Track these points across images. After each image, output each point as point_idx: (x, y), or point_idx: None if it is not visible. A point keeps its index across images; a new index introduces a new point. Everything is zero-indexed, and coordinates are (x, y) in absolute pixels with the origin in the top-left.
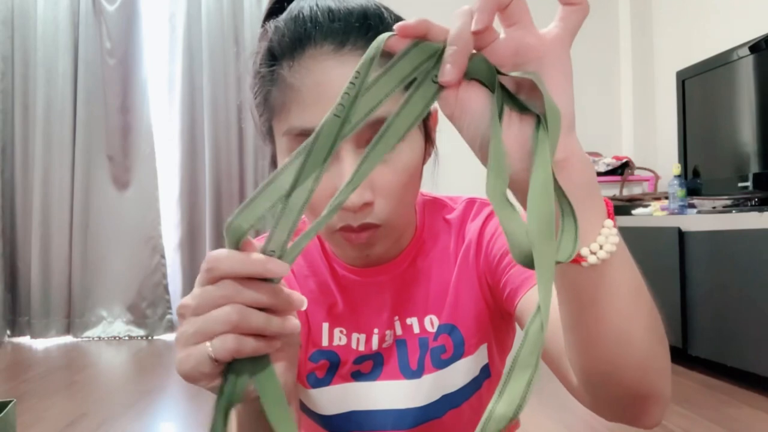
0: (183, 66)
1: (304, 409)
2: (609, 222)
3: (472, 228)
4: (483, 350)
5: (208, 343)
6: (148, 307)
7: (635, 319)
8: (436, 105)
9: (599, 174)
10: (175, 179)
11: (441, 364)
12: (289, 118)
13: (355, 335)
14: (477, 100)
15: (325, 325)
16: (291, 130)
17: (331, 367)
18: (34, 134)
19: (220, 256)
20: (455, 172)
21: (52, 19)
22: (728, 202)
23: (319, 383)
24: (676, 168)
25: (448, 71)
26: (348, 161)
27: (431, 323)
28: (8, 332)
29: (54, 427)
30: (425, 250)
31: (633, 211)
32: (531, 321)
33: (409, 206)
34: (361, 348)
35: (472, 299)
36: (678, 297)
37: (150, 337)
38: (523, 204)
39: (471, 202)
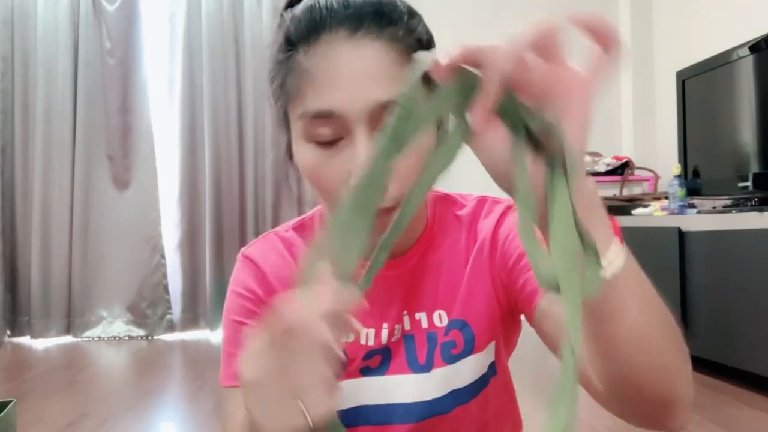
0: (183, 66)
1: None
2: (616, 240)
3: (485, 226)
4: (491, 348)
5: (303, 408)
6: (148, 307)
7: (651, 330)
8: None
9: (599, 174)
10: (175, 179)
11: (451, 359)
12: (305, 102)
13: (364, 330)
14: (497, 136)
15: None
16: (306, 113)
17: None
18: (34, 134)
19: (309, 322)
20: (465, 168)
21: (52, 19)
22: (728, 202)
23: None
24: (676, 168)
25: (480, 118)
26: (362, 144)
27: (440, 318)
28: (8, 332)
29: (54, 427)
30: (435, 245)
31: (633, 211)
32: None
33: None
34: (371, 343)
35: (484, 297)
36: (678, 297)
37: (150, 337)
38: (543, 235)
39: (482, 200)
